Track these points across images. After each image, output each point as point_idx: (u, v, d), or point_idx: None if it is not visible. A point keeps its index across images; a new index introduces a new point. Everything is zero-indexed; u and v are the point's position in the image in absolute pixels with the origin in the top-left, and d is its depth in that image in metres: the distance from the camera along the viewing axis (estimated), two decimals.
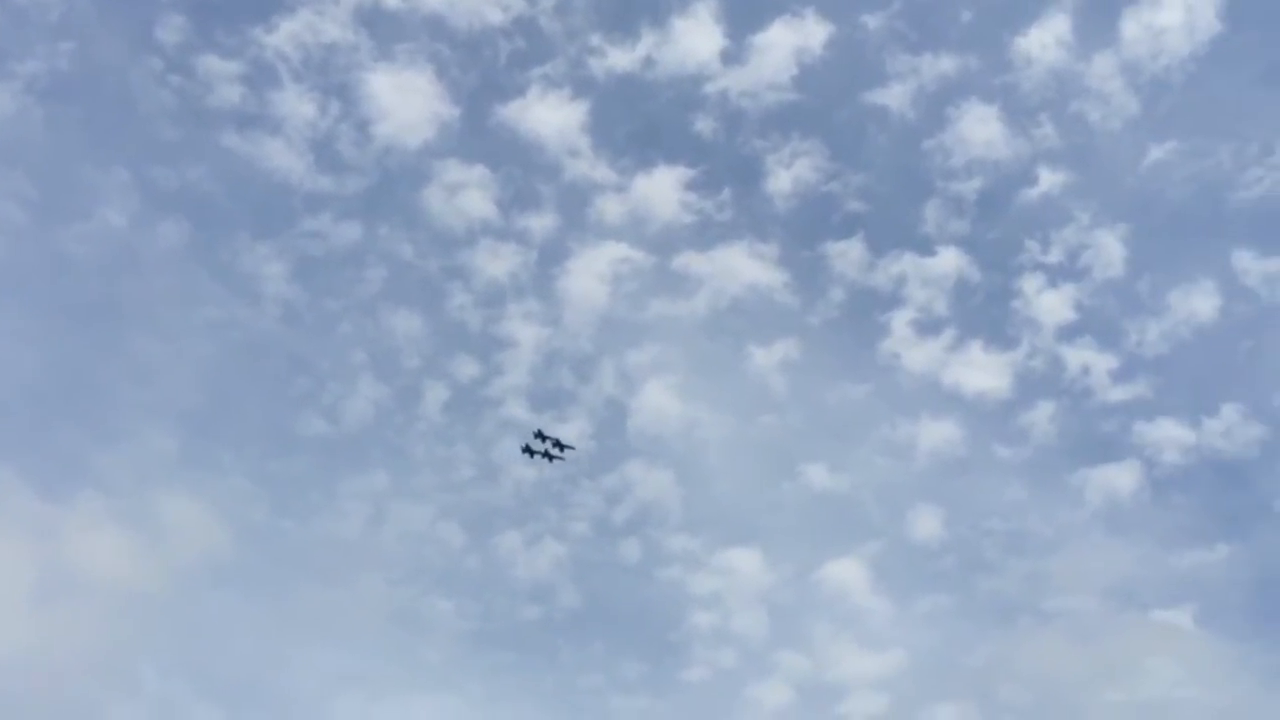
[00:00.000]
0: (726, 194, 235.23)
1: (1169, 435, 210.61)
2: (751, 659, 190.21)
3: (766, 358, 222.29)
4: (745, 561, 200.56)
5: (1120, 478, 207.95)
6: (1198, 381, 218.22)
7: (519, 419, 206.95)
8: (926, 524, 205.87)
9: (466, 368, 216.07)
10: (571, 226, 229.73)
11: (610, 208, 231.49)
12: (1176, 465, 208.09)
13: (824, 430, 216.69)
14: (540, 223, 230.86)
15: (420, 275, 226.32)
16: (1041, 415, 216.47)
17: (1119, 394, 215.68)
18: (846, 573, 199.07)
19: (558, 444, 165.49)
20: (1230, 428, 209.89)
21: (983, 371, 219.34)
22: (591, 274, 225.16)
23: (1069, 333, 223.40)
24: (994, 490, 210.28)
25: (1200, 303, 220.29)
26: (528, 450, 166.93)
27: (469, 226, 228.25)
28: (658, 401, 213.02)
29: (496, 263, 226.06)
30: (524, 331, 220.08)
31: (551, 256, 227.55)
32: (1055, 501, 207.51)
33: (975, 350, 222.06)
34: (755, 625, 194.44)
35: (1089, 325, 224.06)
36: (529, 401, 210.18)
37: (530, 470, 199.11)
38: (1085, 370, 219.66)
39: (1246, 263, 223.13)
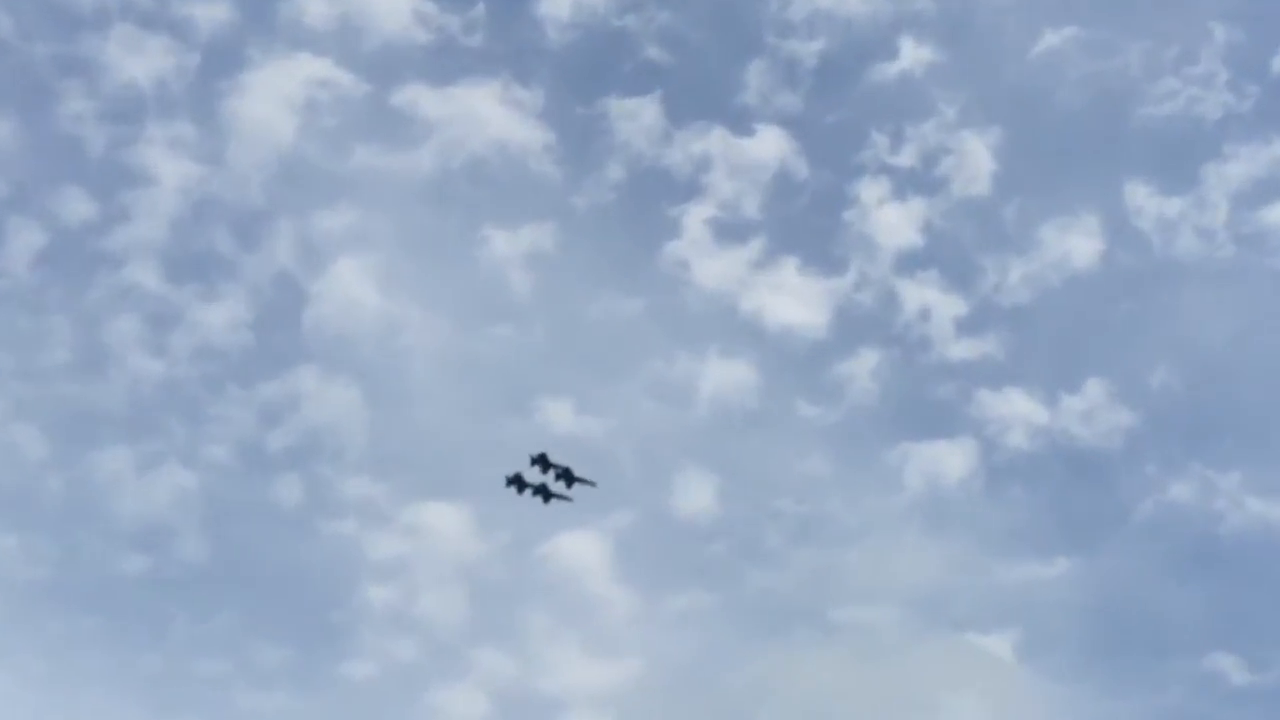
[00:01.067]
0: (481, 10, 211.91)
1: (1017, 411, 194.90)
2: (440, 654, 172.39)
3: (509, 245, 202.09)
4: (446, 522, 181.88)
5: (950, 459, 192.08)
6: (1062, 345, 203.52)
7: (147, 288, 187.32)
8: (696, 495, 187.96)
9: (76, 206, 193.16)
10: (254, 25, 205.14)
11: (314, 6, 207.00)
12: (1021, 451, 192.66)
13: (576, 355, 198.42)
14: (209, 12, 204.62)
15: (20, 63, 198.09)
16: (862, 367, 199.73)
17: (962, 350, 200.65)
18: (582, 550, 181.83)
19: (567, 476, 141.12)
20: (1093, 409, 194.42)
21: (795, 300, 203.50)
22: (275, 96, 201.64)
23: (910, 263, 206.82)
24: (789, 459, 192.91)
25: (1078, 244, 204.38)
26: (517, 482, 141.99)
27: (102, 2, 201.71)
28: (349, 288, 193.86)
29: (138, 60, 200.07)
30: (167, 165, 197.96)
31: (220, 64, 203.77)
32: (865, 481, 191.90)
33: (788, 270, 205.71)
34: (450, 610, 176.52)
35: (937, 256, 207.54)
36: (164, 266, 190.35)
37: (156, 364, 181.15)
38: (924, 314, 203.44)
39: (1141, 199, 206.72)
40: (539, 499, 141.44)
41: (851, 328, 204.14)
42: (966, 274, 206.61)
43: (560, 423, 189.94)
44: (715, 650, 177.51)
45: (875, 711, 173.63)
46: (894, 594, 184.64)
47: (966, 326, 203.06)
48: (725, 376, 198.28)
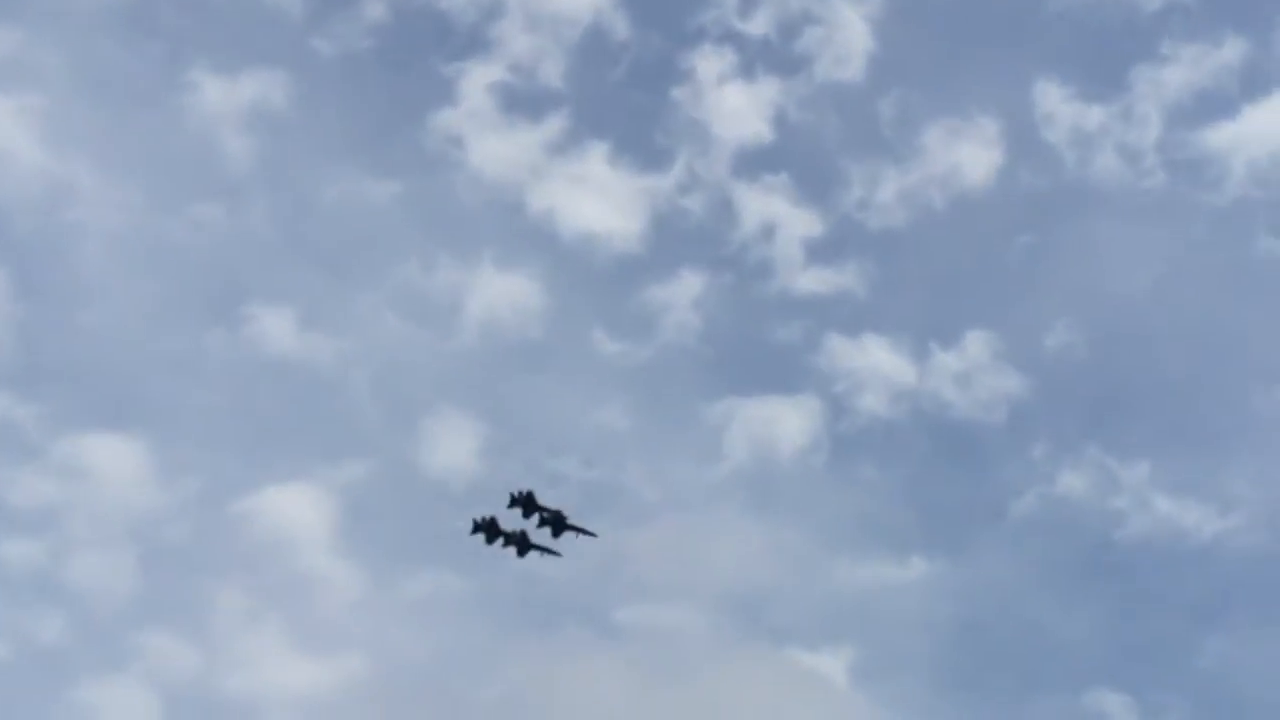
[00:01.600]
0: None
1: (876, 366, 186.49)
2: (94, 635, 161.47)
3: (225, 97, 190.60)
4: (115, 461, 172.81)
5: (786, 422, 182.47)
6: (939, 286, 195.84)
7: None
8: (452, 447, 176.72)
9: None
10: None
11: None
12: (877, 418, 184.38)
13: (305, 250, 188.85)
14: None
15: None
16: (683, 294, 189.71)
17: (812, 282, 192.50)
18: (297, 508, 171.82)
19: (555, 523, 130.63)
20: (971, 371, 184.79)
21: (601, 200, 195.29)
22: None
23: (754, 163, 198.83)
24: (578, 408, 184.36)
25: (970, 154, 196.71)
26: (486, 530, 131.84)
27: None
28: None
29: None
30: None
31: None
32: (675, 444, 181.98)
33: (595, 160, 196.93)
34: (113, 578, 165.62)
35: (789, 157, 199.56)
36: None
37: None
38: (767, 231, 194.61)
39: (1054, 103, 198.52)
40: (511, 550, 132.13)
41: (672, 242, 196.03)
42: (825, 184, 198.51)
43: (277, 339, 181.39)
44: (462, 649, 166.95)
45: None
46: (701, 593, 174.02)
47: (820, 252, 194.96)
48: (501, 293, 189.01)
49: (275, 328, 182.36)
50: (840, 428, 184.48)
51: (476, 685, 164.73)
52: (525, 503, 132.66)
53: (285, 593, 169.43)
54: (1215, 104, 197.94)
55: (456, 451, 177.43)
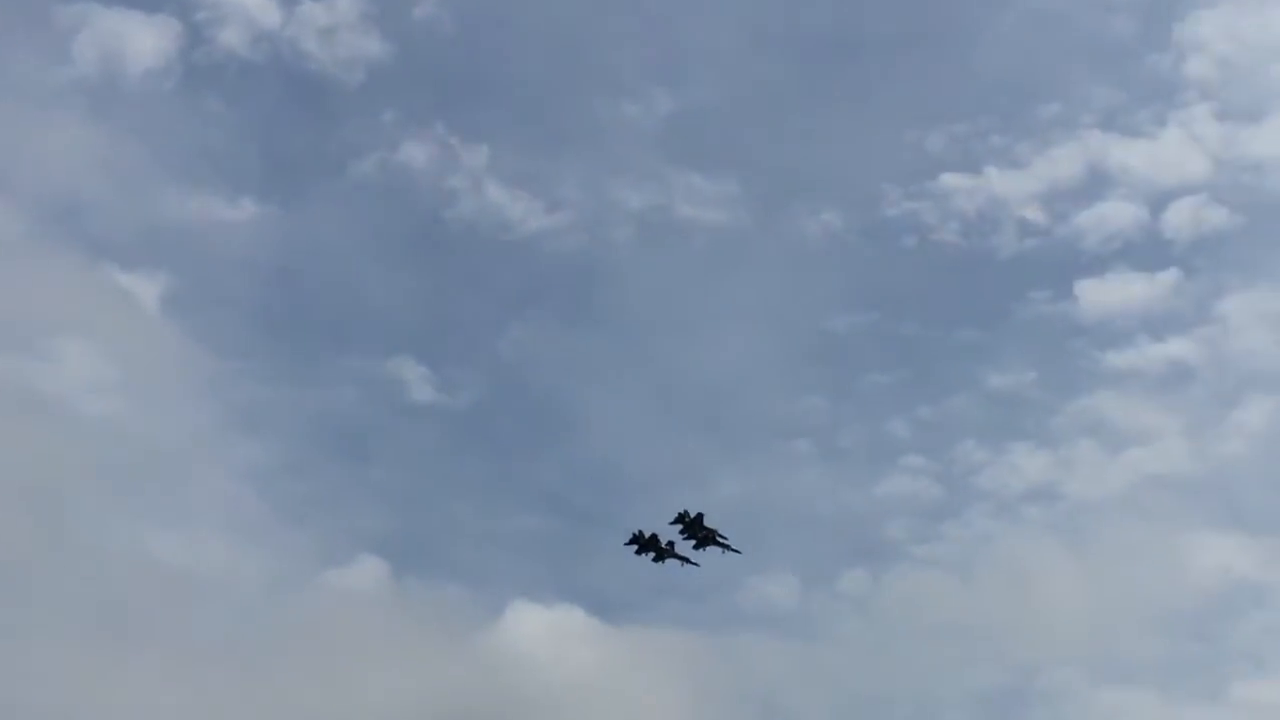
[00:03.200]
0: None
1: (245, 4, 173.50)
2: None
3: None
4: None
5: (141, 37, 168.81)
6: None
7: None
8: None
9: None
10: None
11: None
12: (234, 54, 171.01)
13: None
14: None
15: None
16: None
17: None
18: None
19: (706, 541, 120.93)
20: (338, 24, 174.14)
21: None
22: None
23: None
24: None
25: None
26: (640, 543, 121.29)
27: None
28: None
29: None
30: None
31: None
32: (19, 41, 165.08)
33: None
34: None
35: None
36: None
37: None
38: None
39: None
40: (648, 558, 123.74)
41: None
42: None
43: None
44: None
45: None
46: (22, 194, 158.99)
47: None
48: None
49: None
50: (195, 56, 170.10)
51: None
52: (691, 525, 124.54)
53: None
54: None
55: None
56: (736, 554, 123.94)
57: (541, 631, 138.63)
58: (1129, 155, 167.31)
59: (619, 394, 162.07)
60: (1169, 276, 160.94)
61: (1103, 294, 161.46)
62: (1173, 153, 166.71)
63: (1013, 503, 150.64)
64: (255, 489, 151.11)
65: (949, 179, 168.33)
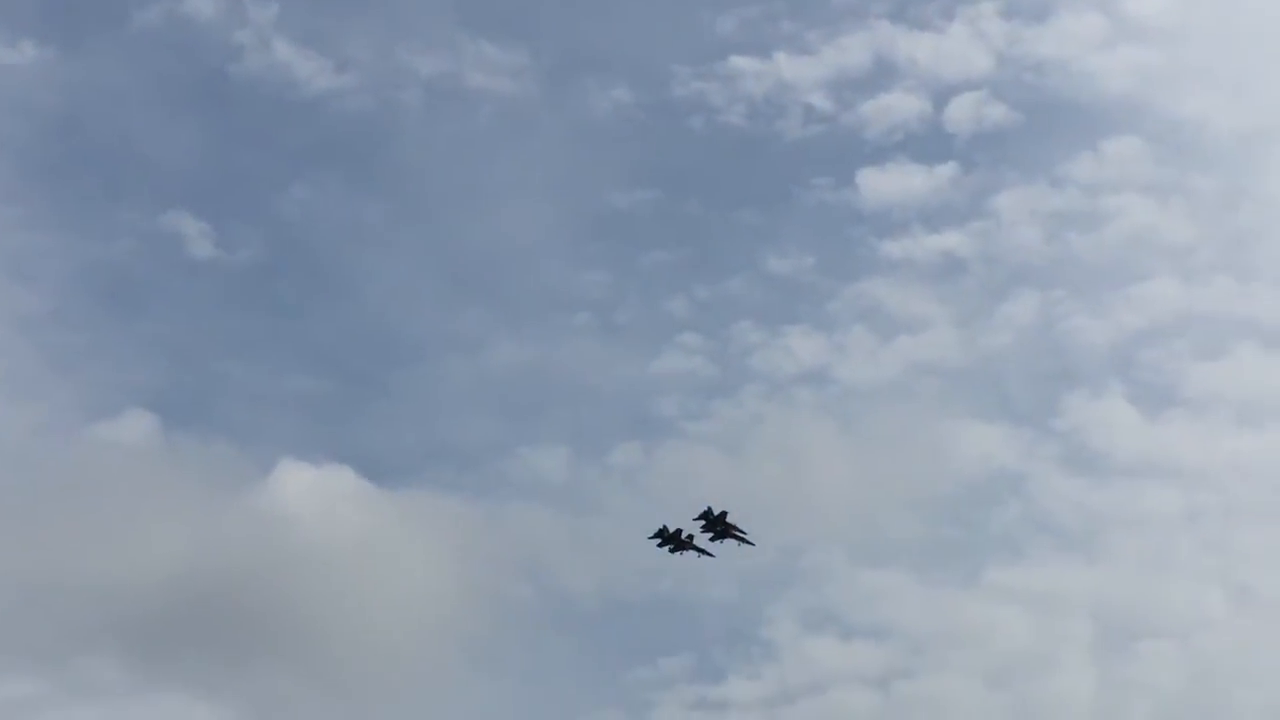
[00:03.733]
0: None
1: None
2: None
3: None
4: None
5: None
6: None
7: None
8: None
9: None
10: None
11: None
12: None
13: None
14: None
15: None
16: None
17: None
18: None
19: (724, 534, 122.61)
20: None
21: None
22: None
23: None
24: None
25: None
26: (664, 537, 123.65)
27: None
28: None
29: None
30: None
31: None
32: None
33: None
34: None
35: None
36: None
37: None
38: None
39: None
40: (668, 549, 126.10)
41: None
42: None
43: None
44: None
45: None
46: None
47: None
48: None
49: None
50: None
51: None
52: (715, 524, 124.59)
53: None
54: None
55: None
56: (751, 545, 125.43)
57: (310, 491, 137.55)
58: (916, 48, 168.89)
59: (399, 258, 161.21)
60: (947, 170, 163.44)
61: (883, 183, 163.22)
62: (958, 47, 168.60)
63: (786, 384, 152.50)
64: (24, 338, 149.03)
65: (738, 61, 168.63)
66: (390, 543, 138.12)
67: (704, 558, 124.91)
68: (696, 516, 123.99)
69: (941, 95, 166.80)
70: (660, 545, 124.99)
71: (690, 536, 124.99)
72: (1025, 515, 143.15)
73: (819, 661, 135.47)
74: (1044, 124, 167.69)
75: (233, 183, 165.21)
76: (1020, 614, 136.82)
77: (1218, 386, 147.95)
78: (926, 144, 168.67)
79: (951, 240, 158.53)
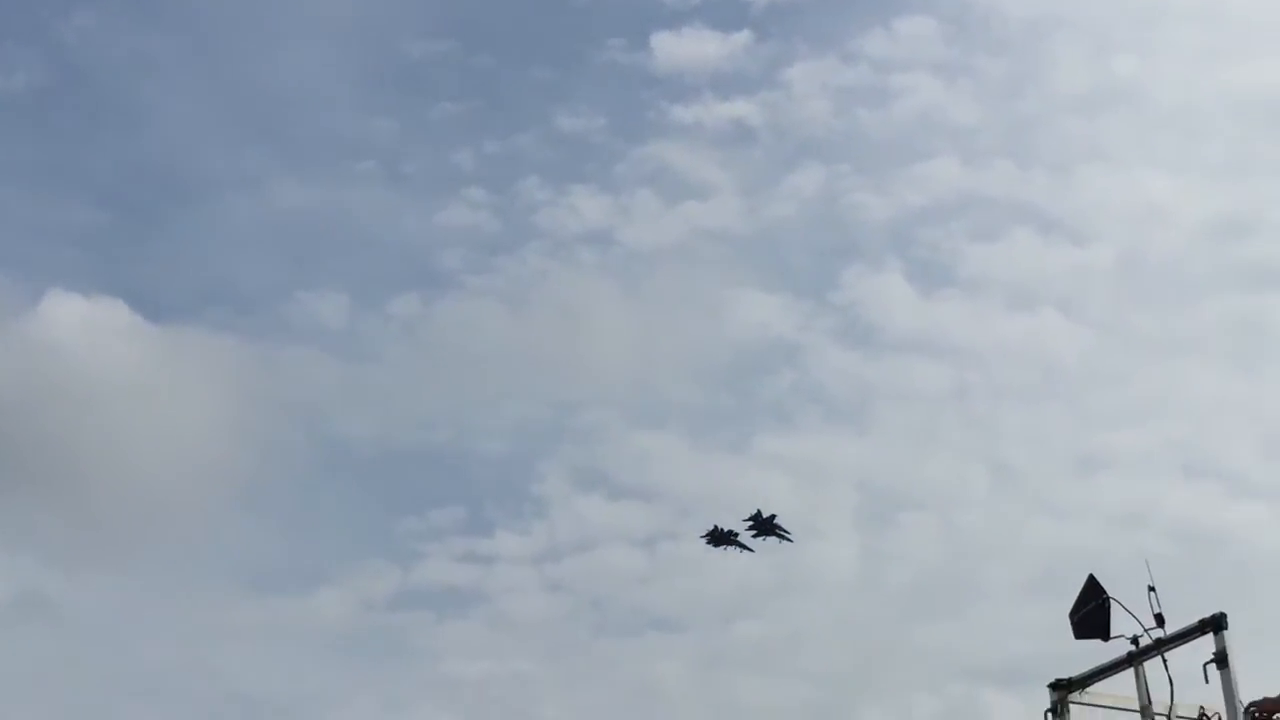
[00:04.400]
0: None
1: None
2: None
3: None
4: None
5: None
6: None
7: None
8: None
9: None
10: None
11: None
12: None
13: None
14: None
15: None
16: None
17: None
18: None
19: (766, 529, 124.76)
20: None
21: None
22: None
23: None
24: None
25: None
26: (715, 536, 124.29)
27: None
28: None
29: None
30: None
31: None
32: None
33: None
34: None
35: None
36: None
37: None
38: None
39: None
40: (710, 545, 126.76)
41: None
42: None
43: None
44: None
45: None
46: None
47: None
48: None
49: None
50: None
51: None
52: (764, 525, 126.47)
53: None
54: None
55: None
56: (790, 542, 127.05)
57: (80, 323, 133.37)
58: None
59: (185, 94, 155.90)
60: (742, 37, 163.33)
61: (677, 48, 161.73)
62: None
63: (570, 243, 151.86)
64: None
65: None
66: (161, 380, 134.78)
67: (745, 552, 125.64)
68: (746, 518, 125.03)
69: None
70: (709, 543, 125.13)
71: (735, 533, 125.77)
72: (798, 385, 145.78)
73: (588, 519, 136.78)
74: None
75: (11, 5, 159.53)
76: (788, 481, 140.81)
77: (991, 269, 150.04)
78: (722, 10, 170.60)
79: (742, 108, 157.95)
